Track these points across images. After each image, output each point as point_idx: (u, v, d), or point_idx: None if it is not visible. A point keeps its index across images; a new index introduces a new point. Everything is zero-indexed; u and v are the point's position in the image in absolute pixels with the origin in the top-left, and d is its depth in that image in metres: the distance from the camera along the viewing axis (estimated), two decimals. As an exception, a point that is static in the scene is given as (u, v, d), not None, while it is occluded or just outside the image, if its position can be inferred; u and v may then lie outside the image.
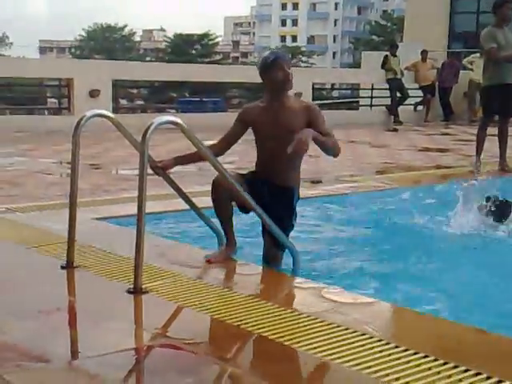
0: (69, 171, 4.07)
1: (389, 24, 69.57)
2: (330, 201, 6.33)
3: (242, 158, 9.43)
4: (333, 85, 23.22)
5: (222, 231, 4.10)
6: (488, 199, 5.39)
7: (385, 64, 16.74)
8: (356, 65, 46.46)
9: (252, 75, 15.04)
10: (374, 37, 69.86)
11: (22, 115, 13.98)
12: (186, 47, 59.98)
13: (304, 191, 6.69)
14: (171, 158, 4.03)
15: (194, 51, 60.61)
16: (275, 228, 3.90)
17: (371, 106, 18.07)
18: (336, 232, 5.20)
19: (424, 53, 17.63)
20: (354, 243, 4.87)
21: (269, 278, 3.88)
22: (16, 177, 7.21)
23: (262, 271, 3.95)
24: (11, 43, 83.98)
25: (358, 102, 19.87)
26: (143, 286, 3.38)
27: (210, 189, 3.97)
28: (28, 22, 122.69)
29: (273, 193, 3.98)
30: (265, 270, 3.98)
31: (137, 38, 71.92)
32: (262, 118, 3.94)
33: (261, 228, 4.12)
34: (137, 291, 3.35)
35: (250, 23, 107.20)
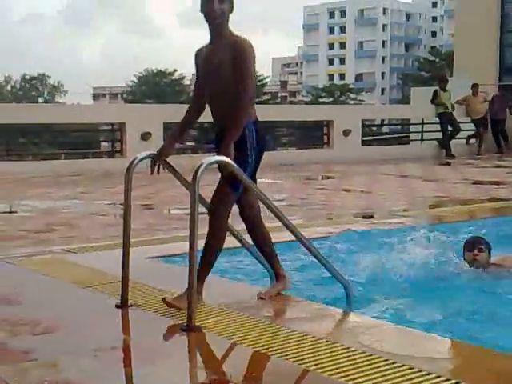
0: (122, 212, 4.14)
1: (437, 59, 69.28)
2: (383, 235, 6.25)
3: (293, 194, 9.46)
4: (382, 121, 23.13)
5: (270, 267, 4.08)
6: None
7: (435, 99, 16.64)
8: (405, 100, 46.33)
9: (300, 114, 15.17)
10: (422, 73, 69.62)
11: (76, 159, 14.33)
12: (235, 88, 60.76)
13: (356, 225, 6.67)
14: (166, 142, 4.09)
15: (242, 92, 61.33)
16: (323, 259, 3.90)
17: (422, 140, 17.92)
18: (389, 266, 5.11)
19: (475, 86, 17.47)
20: (407, 278, 4.78)
21: (322, 314, 3.83)
22: (72, 219, 7.36)
23: (314, 307, 3.90)
24: (66, 91, 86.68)
25: (408, 136, 19.74)
26: (197, 324, 3.38)
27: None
28: (82, 70, 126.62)
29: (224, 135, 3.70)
30: (317, 305, 3.93)
31: (186, 82, 73.27)
32: (201, 57, 3.85)
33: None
34: (191, 329, 3.36)
35: (297, 63, 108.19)
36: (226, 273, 4.82)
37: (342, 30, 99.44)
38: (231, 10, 3.70)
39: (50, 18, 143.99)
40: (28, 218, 7.38)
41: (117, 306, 3.81)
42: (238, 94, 3.63)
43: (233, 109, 3.64)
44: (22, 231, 6.51)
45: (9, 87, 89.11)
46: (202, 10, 3.71)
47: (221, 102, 3.74)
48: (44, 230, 6.63)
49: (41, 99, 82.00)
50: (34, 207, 8.17)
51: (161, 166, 3.95)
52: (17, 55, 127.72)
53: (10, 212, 8.02)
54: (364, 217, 7.41)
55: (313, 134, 18.52)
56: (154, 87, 65.17)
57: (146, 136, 13.18)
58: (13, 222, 7.24)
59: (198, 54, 3.89)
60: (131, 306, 3.81)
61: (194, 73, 3.98)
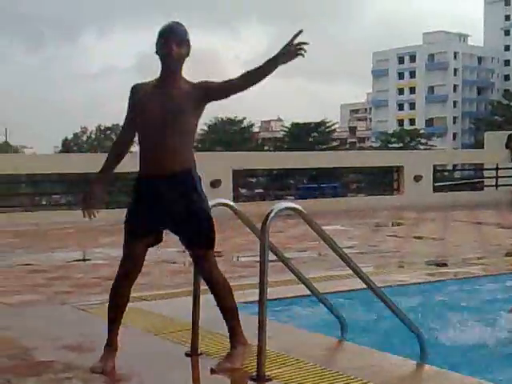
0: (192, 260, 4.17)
1: (511, 103, 68.00)
2: (458, 284, 6.07)
3: (363, 241, 9.32)
4: (455, 166, 22.73)
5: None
6: None
7: (509, 143, 16.30)
8: (478, 145, 45.50)
9: (369, 160, 15.07)
10: (496, 117, 68.42)
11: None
12: (303, 135, 61.18)
13: (429, 275, 6.50)
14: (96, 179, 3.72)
15: (311, 139, 61.69)
16: (395, 308, 3.79)
17: (497, 186, 17.48)
18: (465, 318, 4.95)
19: (550, 129, 17.04)
20: (486, 330, 4.61)
21: (394, 365, 3.71)
22: (143, 266, 7.44)
23: (386, 357, 3.79)
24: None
25: (482, 182, 19.30)
26: (267, 373, 3.33)
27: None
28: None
29: (173, 186, 3.49)
30: (388, 356, 3.82)
31: (255, 129, 74.34)
32: (150, 98, 3.55)
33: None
34: (260, 379, 3.31)
35: (366, 109, 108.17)
36: (296, 320, 4.77)
37: (412, 74, 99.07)
38: (187, 55, 3.58)
39: (124, 70, 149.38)
40: (101, 266, 7.52)
41: (187, 355, 3.80)
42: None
43: (181, 152, 3.51)
44: (95, 278, 6.63)
45: (85, 137, 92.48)
46: (158, 52, 3.53)
47: (168, 149, 3.50)
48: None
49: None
50: (106, 255, 8.33)
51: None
52: (93, 107, 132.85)
53: (84, 260, 8.21)
54: (437, 265, 7.23)
55: (382, 180, 18.37)
56: (223, 135, 66.26)
57: (216, 183, 13.35)
58: (86, 269, 7.40)
59: (137, 91, 3.62)
60: (201, 354, 3.80)
61: (128, 107, 3.65)
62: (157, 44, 3.54)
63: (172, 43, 3.48)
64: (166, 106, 3.51)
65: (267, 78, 3.52)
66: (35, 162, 13.59)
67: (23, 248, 9.36)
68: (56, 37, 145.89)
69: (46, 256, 8.45)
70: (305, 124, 63.04)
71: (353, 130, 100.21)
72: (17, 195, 17.07)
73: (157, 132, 3.52)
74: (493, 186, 17.69)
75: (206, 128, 68.72)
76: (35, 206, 14.76)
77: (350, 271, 3.85)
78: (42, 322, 4.77)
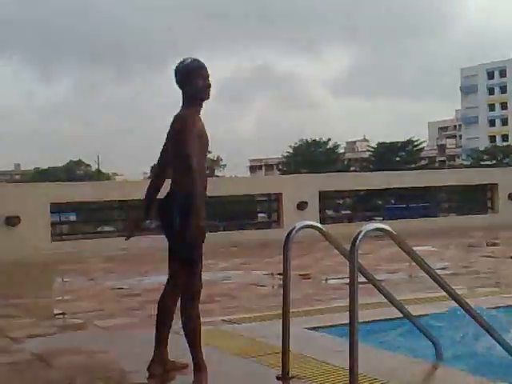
0: (280, 282, 4.18)
1: None
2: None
3: (456, 262, 9.05)
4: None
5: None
6: None
7: None
8: None
9: (461, 178, 14.67)
10: None
11: (234, 231, 14.72)
12: (390, 155, 60.32)
13: (487, 298, 6.23)
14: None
15: (398, 158, 60.74)
16: (492, 330, 3.65)
17: None
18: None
19: None
20: None
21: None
22: (232, 289, 7.50)
23: (477, 380, 3.64)
24: (225, 165, 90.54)
25: None
26: (359, 398, 3.27)
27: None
28: (238, 144, 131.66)
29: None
30: (480, 379, 3.66)
31: (341, 150, 73.88)
32: (203, 127, 3.93)
33: None
34: (353, 403, 3.24)
35: (455, 126, 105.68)
36: (388, 344, 4.66)
37: (503, 89, 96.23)
38: None
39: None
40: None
41: (278, 378, 3.78)
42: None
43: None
44: (186, 301, 6.71)
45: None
46: (191, 84, 3.86)
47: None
48: (206, 301, 6.79)
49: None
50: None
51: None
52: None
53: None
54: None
55: (475, 199, 17.82)
56: (308, 157, 66.20)
57: (302, 205, 13.33)
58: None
59: (199, 123, 3.95)
60: (292, 377, 3.77)
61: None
62: (185, 77, 3.87)
63: (205, 74, 3.89)
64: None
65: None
66: (125, 188, 13.97)
67: (116, 272, 9.62)
68: (144, 67, 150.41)
69: (137, 280, 8.65)
70: (391, 143, 62.18)
71: (442, 147, 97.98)
72: (112, 221, 17.61)
73: (205, 158, 4.02)
74: None
75: (290, 150, 68.97)
76: (125, 231, 15.21)
77: (443, 293, 3.74)
78: (137, 346, 4.86)
